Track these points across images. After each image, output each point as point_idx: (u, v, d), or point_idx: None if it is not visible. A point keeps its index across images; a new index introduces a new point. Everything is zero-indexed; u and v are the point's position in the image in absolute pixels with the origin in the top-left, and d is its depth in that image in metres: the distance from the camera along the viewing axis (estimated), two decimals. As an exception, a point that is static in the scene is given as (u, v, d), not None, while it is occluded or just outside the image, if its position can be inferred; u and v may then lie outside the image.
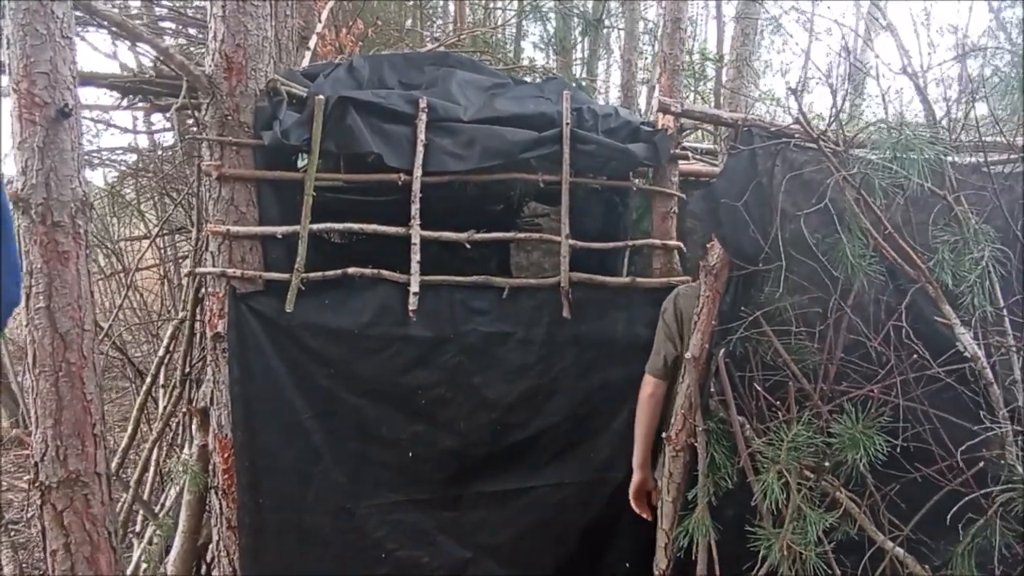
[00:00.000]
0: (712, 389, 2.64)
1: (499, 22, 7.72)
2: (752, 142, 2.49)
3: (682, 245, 3.42)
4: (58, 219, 2.42)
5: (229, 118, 2.92)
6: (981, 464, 2.42)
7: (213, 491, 3.13)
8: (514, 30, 7.58)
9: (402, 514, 3.15)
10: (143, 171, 5.83)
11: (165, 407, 3.91)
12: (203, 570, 3.59)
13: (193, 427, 3.47)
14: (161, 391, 4.23)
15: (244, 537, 3.03)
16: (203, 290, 3.37)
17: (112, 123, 5.24)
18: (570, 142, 3.19)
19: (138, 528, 4.15)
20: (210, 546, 3.43)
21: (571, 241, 3.24)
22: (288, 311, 2.97)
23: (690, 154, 3.59)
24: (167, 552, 3.68)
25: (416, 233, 3.07)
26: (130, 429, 3.90)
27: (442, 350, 3.13)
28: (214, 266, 2.98)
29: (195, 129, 3.84)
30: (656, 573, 2.92)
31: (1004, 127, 2.49)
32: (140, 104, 3.48)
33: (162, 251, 5.86)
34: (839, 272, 2.45)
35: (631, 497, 3.01)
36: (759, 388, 2.53)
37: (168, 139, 5.89)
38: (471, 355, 3.17)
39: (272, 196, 3.04)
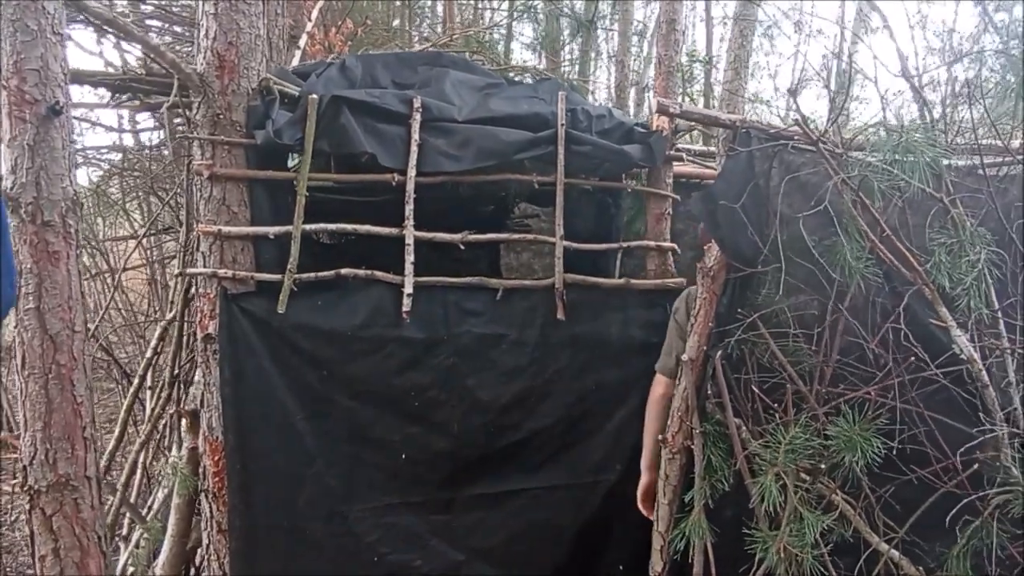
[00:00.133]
0: (709, 391, 2.64)
1: (489, 22, 7.70)
2: (750, 144, 2.49)
3: (676, 247, 3.40)
4: (48, 218, 2.38)
5: (221, 117, 2.89)
6: (976, 466, 2.43)
7: (203, 494, 3.10)
8: (504, 31, 7.56)
9: (395, 517, 3.12)
10: (129, 170, 5.76)
11: (153, 409, 3.86)
12: (192, 574, 3.55)
13: (182, 429, 3.43)
14: (148, 393, 4.18)
15: (235, 541, 2.99)
16: (193, 291, 3.33)
17: (98, 122, 5.17)
18: (565, 143, 3.18)
19: (125, 531, 4.09)
20: (199, 550, 3.40)
21: (565, 242, 3.22)
22: (280, 312, 2.94)
23: (684, 156, 3.59)
24: (155, 556, 3.65)
25: (410, 234, 3.04)
26: (117, 431, 3.85)
27: (435, 352, 3.11)
28: (205, 267, 2.95)
29: (183, 128, 3.81)
30: (651, 575, 2.92)
31: (1000, 129, 2.50)
32: (130, 102, 3.43)
33: (148, 251, 5.80)
34: (836, 275, 2.45)
35: (639, 499, 2.98)
36: (756, 390, 2.53)
37: (154, 138, 5.83)
38: (464, 357, 3.14)
39: (264, 196, 3.01)
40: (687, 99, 7.27)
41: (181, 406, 3.52)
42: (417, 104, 3.05)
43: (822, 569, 2.40)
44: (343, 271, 3.01)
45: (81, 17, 3.29)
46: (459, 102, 3.22)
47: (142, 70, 3.30)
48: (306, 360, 3.01)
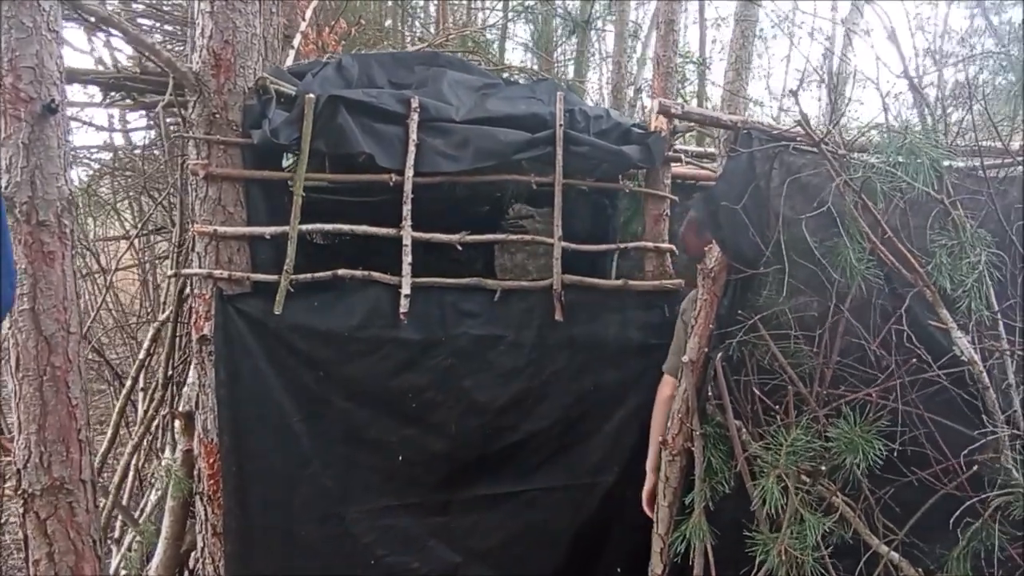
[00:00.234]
0: (710, 393, 2.63)
1: (483, 23, 7.68)
2: (751, 145, 2.48)
3: (674, 248, 3.39)
4: (43, 218, 2.35)
5: (217, 116, 2.86)
6: (975, 468, 2.43)
7: (198, 497, 3.07)
8: (497, 31, 7.55)
9: (392, 519, 3.10)
10: (120, 170, 5.71)
11: (146, 411, 3.83)
12: (186, 577, 3.52)
13: (176, 431, 3.40)
14: (141, 394, 4.14)
15: (230, 544, 2.96)
16: (187, 292, 3.30)
17: (90, 122, 5.12)
18: (563, 144, 3.16)
19: (117, 535, 4.06)
20: (193, 553, 3.37)
21: (563, 243, 3.20)
22: (276, 313, 2.91)
23: (683, 156, 3.58)
24: (148, 559, 3.61)
25: (408, 234, 3.02)
26: (110, 433, 3.82)
27: (433, 353, 3.09)
28: (200, 267, 2.92)
29: (175, 127, 3.77)
30: (650, 578, 2.91)
31: (1002, 131, 2.50)
32: (123, 101, 3.40)
33: (140, 252, 5.76)
34: (836, 276, 2.44)
35: (644, 501, 2.97)
36: (758, 392, 2.52)
37: (145, 137, 5.79)
38: (462, 358, 3.13)
39: (260, 196, 2.98)
40: (681, 100, 7.26)
41: (174, 408, 3.49)
42: (415, 104, 3.03)
43: (823, 571, 2.40)
44: (340, 272, 2.99)
45: (72, 15, 3.26)
46: (456, 102, 3.20)
47: (136, 69, 3.27)
48: (302, 361, 2.99)
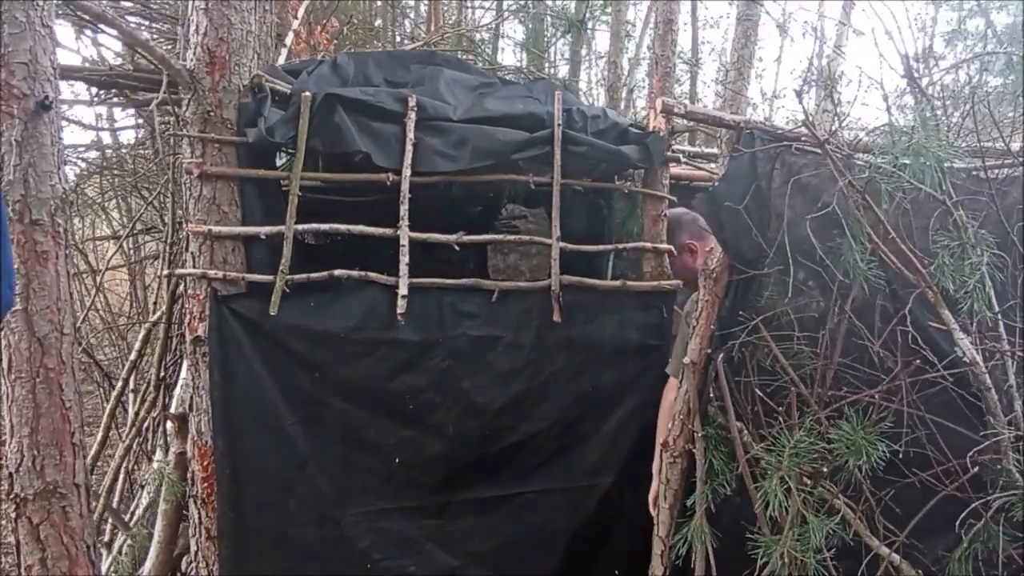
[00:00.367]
0: (711, 394, 2.62)
1: (476, 22, 7.66)
2: (754, 145, 2.47)
3: (672, 248, 3.38)
4: (36, 217, 2.30)
5: (211, 114, 2.82)
6: (976, 469, 2.42)
7: (192, 500, 3.03)
8: (489, 31, 7.51)
9: (389, 522, 3.07)
10: (109, 169, 5.65)
11: (137, 412, 3.78)
12: (179, 581, 3.48)
13: (168, 433, 3.36)
14: (131, 396, 4.09)
15: (224, 547, 2.92)
16: (180, 292, 3.26)
17: (76, 120, 5.07)
18: (562, 143, 3.14)
19: (107, 538, 4.00)
20: (186, 557, 3.33)
21: (561, 244, 3.18)
22: (272, 314, 2.87)
23: (681, 157, 3.56)
24: (138, 563, 3.57)
25: (405, 234, 2.99)
26: (100, 435, 3.77)
27: (430, 354, 3.06)
28: (194, 267, 2.87)
29: (166, 126, 3.73)
30: (650, 580, 2.89)
31: (1004, 132, 2.50)
32: (114, 99, 3.35)
33: (129, 251, 5.70)
34: (838, 277, 2.43)
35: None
36: (760, 393, 2.51)
37: (133, 136, 5.74)
38: (460, 359, 3.10)
39: (255, 195, 2.94)
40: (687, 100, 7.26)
41: (167, 410, 3.44)
42: (412, 103, 3.00)
43: (825, 573, 2.38)
44: (337, 272, 2.95)
45: (62, 11, 3.22)
46: (454, 101, 3.17)
47: (128, 66, 3.22)
48: (298, 363, 2.95)
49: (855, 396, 2.46)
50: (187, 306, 2.95)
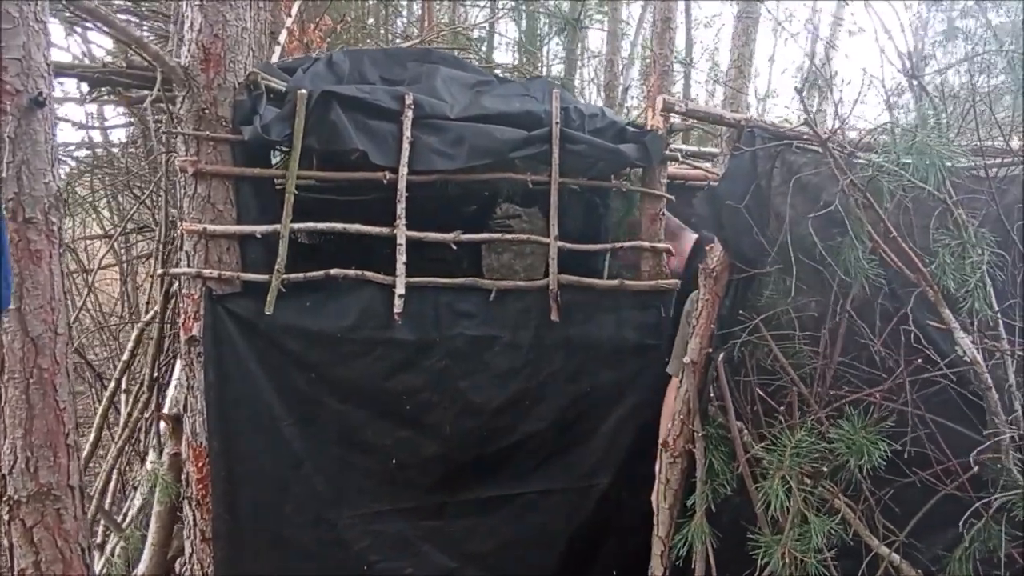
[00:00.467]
0: (711, 394, 2.60)
1: (470, 21, 7.63)
2: (754, 143, 2.46)
3: (671, 247, 3.37)
4: (30, 215, 2.27)
5: (206, 112, 2.79)
6: (975, 468, 2.42)
7: (186, 501, 3.00)
8: (484, 29, 7.50)
9: (386, 523, 3.05)
10: (100, 167, 5.60)
11: (130, 413, 3.74)
12: (173, 583, 3.45)
13: (162, 434, 3.32)
14: (123, 396, 4.05)
15: (219, 549, 2.90)
16: (174, 291, 3.23)
17: (65, 118, 5.02)
18: (560, 142, 3.12)
19: (99, 540, 3.96)
20: (180, 559, 3.30)
21: (559, 243, 3.16)
22: (267, 313, 2.85)
23: (679, 155, 3.55)
24: (131, 565, 3.53)
25: (402, 233, 2.97)
26: (92, 436, 3.74)
27: (427, 354, 3.04)
28: (189, 266, 2.85)
29: (159, 124, 3.69)
30: (650, 581, 2.88)
31: (1005, 131, 2.49)
32: (109, 97, 3.32)
33: (120, 251, 5.65)
34: (839, 275, 2.42)
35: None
36: (760, 392, 2.50)
37: (124, 135, 5.68)
38: (457, 359, 3.08)
39: (250, 194, 2.91)
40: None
41: (160, 410, 3.41)
42: (409, 100, 2.98)
43: (826, 573, 2.37)
44: (333, 271, 2.93)
45: (53, 8, 3.17)
46: (451, 99, 3.15)
47: (121, 63, 3.19)
48: (294, 363, 2.93)
49: (855, 395, 2.45)
50: (181, 306, 2.92)
